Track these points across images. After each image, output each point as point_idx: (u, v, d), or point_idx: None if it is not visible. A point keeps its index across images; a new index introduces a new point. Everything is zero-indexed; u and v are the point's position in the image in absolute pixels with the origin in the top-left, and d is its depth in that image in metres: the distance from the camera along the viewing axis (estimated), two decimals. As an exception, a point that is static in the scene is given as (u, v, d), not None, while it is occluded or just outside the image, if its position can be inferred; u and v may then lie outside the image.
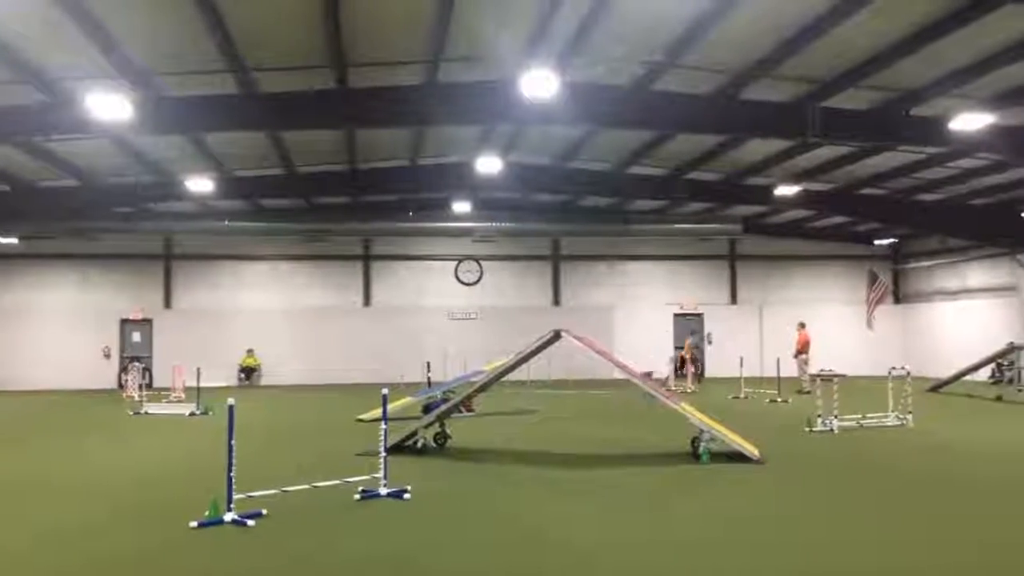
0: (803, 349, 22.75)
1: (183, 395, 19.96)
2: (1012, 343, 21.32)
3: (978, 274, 27.07)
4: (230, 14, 11.14)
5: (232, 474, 7.66)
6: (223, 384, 25.52)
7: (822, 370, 21.49)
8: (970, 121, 14.25)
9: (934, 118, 15.00)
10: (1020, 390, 20.15)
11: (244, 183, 20.97)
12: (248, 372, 27.27)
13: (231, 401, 7.88)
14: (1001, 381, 21.70)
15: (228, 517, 7.55)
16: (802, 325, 23.05)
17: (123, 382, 24.14)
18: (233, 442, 7.73)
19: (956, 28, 11.37)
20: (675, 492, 9.07)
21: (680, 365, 25.92)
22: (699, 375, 26.15)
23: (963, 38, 11.77)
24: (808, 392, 20.40)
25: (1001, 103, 14.29)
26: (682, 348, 27.67)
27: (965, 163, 19.18)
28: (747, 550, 6.69)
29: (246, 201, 23.99)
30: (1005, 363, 22.54)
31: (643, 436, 13.41)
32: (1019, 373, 21.50)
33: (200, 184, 19.55)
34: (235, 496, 7.65)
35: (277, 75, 13.42)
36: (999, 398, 19.41)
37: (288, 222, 25.20)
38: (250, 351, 27.36)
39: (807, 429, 13.71)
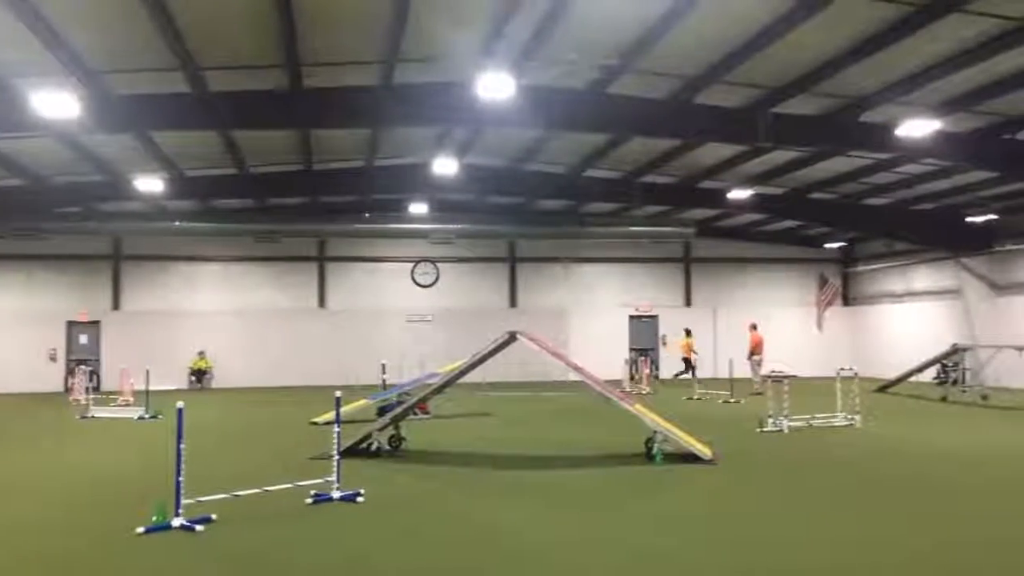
0: (756, 350, 23.09)
1: (132, 398, 19.57)
2: (956, 345, 21.85)
3: (923, 277, 27.72)
4: (181, 13, 10.97)
5: (180, 478, 7.53)
6: (173, 387, 25.07)
7: (773, 371, 21.86)
8: (916, 127, 14.60)
9: (882, 124, 15.35)
10: (964, 391, 20.66)
11: (196, 183, 20.66)
12: (199, 375, 26.83)
13: (180, 404, 7.75)
14: (946, 382, 22.21)
15: (176, 522, 7.42)
16: (754, 327, 23.39)
17: (69, 385, 23.58)
18: (182, 446, 7.61)
19: (902, 37, 11.65)
20: (628, 492, 9.13)
21: (687, 366, 25.61)
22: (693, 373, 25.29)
23: (909, 47, 12.06)
24: (760, 393, 20.68)
25: (946, 110, 14.66)
26: (642, 352, 28.04)
27: (911, 168, 19.66)
28: (697, 548, 6.76)
29: (198, 201, 23.63)
30: (949, 364, 23.06)
31: (598, 437, 13.49)
32: (963, 374, 22.05)
33: (150, 184, 19.22)
34: (183, 501, 7.52)
35: (229, 74, 13.26)
36: (944, 398, 19.88)
37: (241, 223, 24.84)
38: (201, 353, 26.93)
39: (758, 429, 13.91)
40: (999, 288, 24.58)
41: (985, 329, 24.35)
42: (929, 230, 24.44)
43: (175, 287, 27.69)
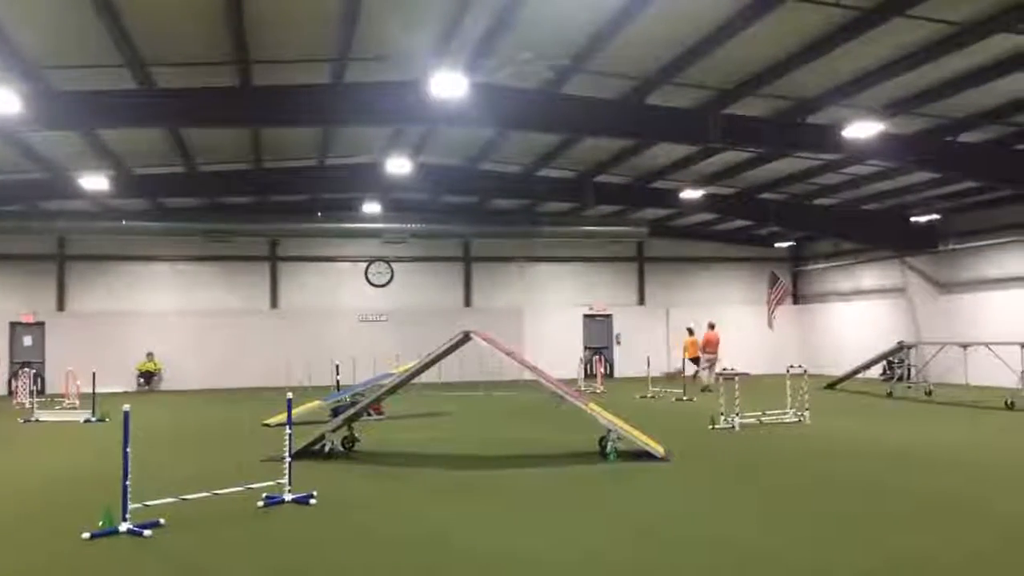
0: (709, 348, 23.39)
1: (78, 401, 19.15)
2: (901, 342, 22.39)
3: (870, 276, 28.35)
4: (127, 8, 10.76)
5: (128, 483, 7.38)
6: (121, 390, 24.62)
7: (724, 369, 22.19)
8: (861, 129, 14.91)
9: (829, 126, 15.66)
10: (909, 387, 21.17)
11: (143, 181, 20.29)
12: (148, 377, 26.33)
13: (127, 407, 7.60)
14: (892, 378, 22.73)
15: (123, 527, 7.28)
16: (712, 325, 23.69)
17: (13, 388, 22.99)
18: (128, 449, 7.46)
19: (847, 40, 11.91)
20: (581, 491, 9.18)
21: (695, 361, 24.43)
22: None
23: (854, 50, 12.33)
24: (711, 390, 20.97)
25: (890, 112, 15.01)
26: (589, 353, 28.22)
27: (858, 169, 20.09)
28: (648, 545, 6.83)
29: (145, 200, 23.17)
30: (895, 361, 23.65)
31: (552, 436, 13.55)
32: (908, 370, 22.60)
33: (96, 182, 18.80)
34: (131, 506, 7.38)
35: (177, 71, 13.05)
36: (889, 394, 20.34)
37: (190, 222, 24.45)
38: (150, 355, 26.43)
39: (710, 427, 14.09)
40: (942, 286, 25.24)
41: (929, 326, 25.00)
42: (875, 230, 25.01)
43: (122, 287, 27.15)
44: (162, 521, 7.51)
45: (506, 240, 28.15)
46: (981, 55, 12.47)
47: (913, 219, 24.27)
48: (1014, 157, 16.99)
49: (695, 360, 24.41)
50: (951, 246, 24.35)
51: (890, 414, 16.76)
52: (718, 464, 10.83)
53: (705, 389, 21.78)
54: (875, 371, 24.20)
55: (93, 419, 16.65)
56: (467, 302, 29.81)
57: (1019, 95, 14.21)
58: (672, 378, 25.21)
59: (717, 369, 22.90)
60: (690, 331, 24.98)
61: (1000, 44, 11.99)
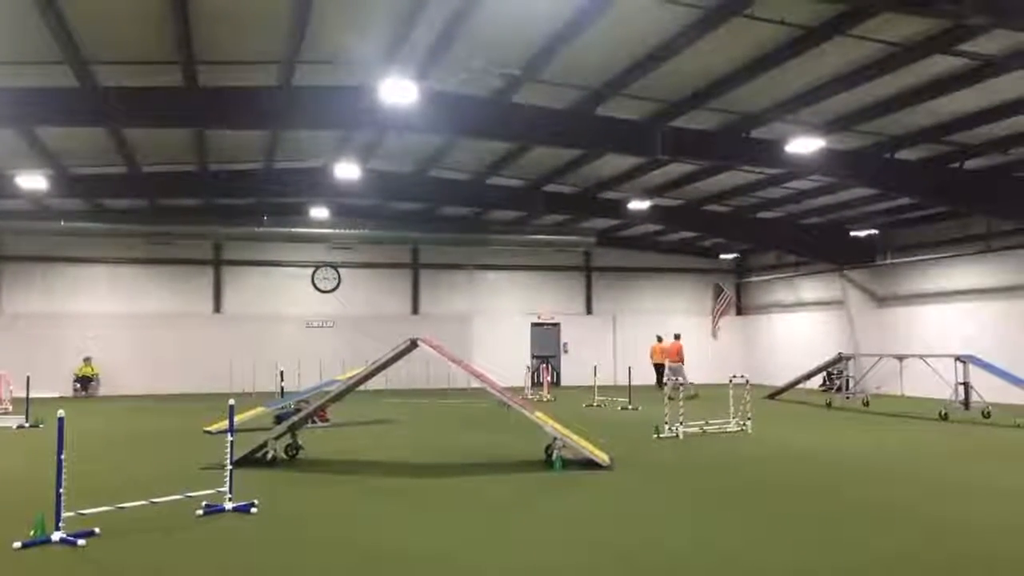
0: (679, 358, 23.68)
1: (10, 407, 18.57)
2: (841, 353, 22.91)
3: (811, 288, 28.97)
4: (69, 3, 10.52)
5: (61, 490, 7.18)
6: (57, 395, 23.95)
7: (668, 379, 22.42)
8: (803, 144, 15.25)
9: (772, 141, 16.00)
10: (847, 397, 21.66)
11: (83, 181, 19.82)
12: (85, 382, 25.63)
13: (62, 413, 7.40)
14: (831, 389, 23.23)
15: (56, 536, 7.07)
16: (677, 336, 24.18)
17: (-59, 393, 22.18)
18: (63, 456, 7.26)
19: (790, 58, 12.21)
20: (527, 500, 9.20)
21: (659, 369, 25.37)
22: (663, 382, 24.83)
23: (796, 67, 12.64)
24: (695, 396, 21.41)
25: (830, 128, 15.39)
26: (542, 360, 28.36)
27: (800, 184, 20.55)
28: (592, 552, 6.87)
29: (85, 200, 22.62)
30: (835, 372, 24.18)
31: (499, 444, 13.55)
32: (847, 381, 23.13)
33: (33, 181, 18.30)
34: (64, 514, 7.18)
35: (120, 69, 12.80)
36: (829, 404, 20.77)
37: (131, 224, 23.91)
38: (87, 359, 25.75)
39: (655, 435, 14.23)
40: (880, 300, 25.92)
41: (867, 338, 25.63)
42: (816, 243, 25.60)
43: (60, 290, 26.41)
44: (97, 530, 7.31)
45: (455, 247, 28.11)
46: (918, 75, 12.87)
47: (852, 233, 24.92)
48: (949, 175, 17.54)
49: (660, 367, 25.47)
50: (888, 260, 25.04)
51: (828, 424, 17.13)
52: (662, 472, 10.93)
53: (692, 397, 21.66)
54: (816, 382, 24.72)
55: (27, 425, 16.17)
56: (415, 309, 29.67)
57: (955, 114, 14.69)
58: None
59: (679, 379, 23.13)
60: (659, 338, 26.26)
61: (937, 65, 12.39)
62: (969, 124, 15.01)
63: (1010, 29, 10.58)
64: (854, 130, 15.65)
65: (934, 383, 19.00)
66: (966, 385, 17.70)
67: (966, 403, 17.58)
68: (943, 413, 17.26)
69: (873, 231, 24.54)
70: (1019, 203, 18.13)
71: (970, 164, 17.29)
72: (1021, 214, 18.76)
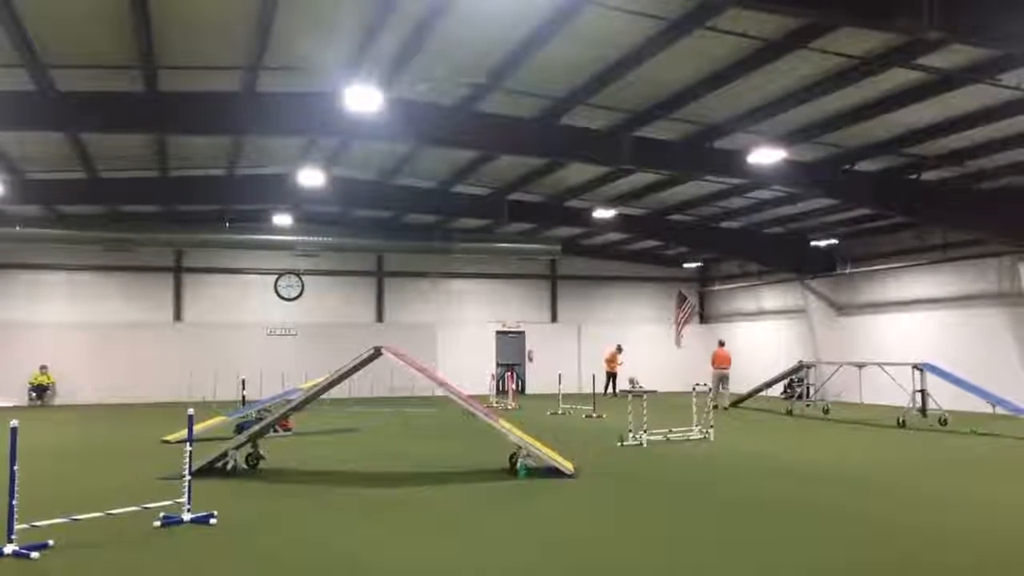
0: (726, 364, 23.28)
1: (-38, 417, 18.12)
2: (801, 361, 23.18)
3: (772, 297, 29.32)
4: (26, 4, 10.33)
5: (14, 502, 7.01)
6: (11, 404, 23.42)
7: (633, 385, 22.55)
8: (764, 155, 15.44)
9: (735, 151, 16.17)
10: (808, 405, 21.91)
11: (39, 187, 19.47)
12: (40, 391, 25.10)
13: (15, 422, 7.23)
14: (792, 397, 23.49)
15: (8, 549, 6.89)
16: (721, 343, 24.16)
17: None
18: (16, 467, 7.09)
19: (751, 70, 12.37)
20: (490, 509, 9.17)
21: (610, 380, 27.38)
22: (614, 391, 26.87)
23: (757, 80, 12.82)
24: (727, 408, 21.74)
25: (791, 140, 15.60)
26: (507, 367, 28.46)
27: (761, 194, 20.80)
28: (557, 561, 6.86)
29: (42, 206, 22.19)
30: (795, 380, 24.47)
31: (463, 453, 13.49)
32: (807, 389, 23.40)
33: (-13, 186, 17.92)
34: (17, 526, 7.00)
35: (78, 73, 12.58)
36: (790, 412, 21.01)
37: (89, 230, 23.51)
38: (43, 368, 25.22)
39: (619, 443, 14.27)
40: (840, 308, 26.30)
41: (827, 347, 25.97)
42: (777, 253, 25.94)
43: (15, 297, 25.85)
44: (51, 543, 7.15)
45: (420, 255, 28.02)
46: (877, 88, 13.11)
47: (813, 243, 25.27)
48: (906, 186, 17.86)
49: (612, 375, 27.14)
50: (848, 270, 25.42)
51: (789, 431, 17.31)
52: (625, 480, 10.97)
53: (720, 407, 21.27)
54: (777, 389, 24.99)
55: (-22, 435, 15.78)
56: (379, 317, 29.51)
57: (912, 127, 14.96)
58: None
59: (622, 386, 23.52)
60: (619, 348, 27.80)
61: (895, 78, 12.62)
62: (926, 137, 15.31)
63: (966, 44, 10.82)
64: (814, 141, 15.89)
65: (892, 391, 19.27)
66: (923, 393, 17.98)
67: (923, 410, 17.87)
68: (901, 420, 17.53)
69: (833, 241, 24.91)
70: (974, 214, 18.53)
71: (927, 176, 17.62)
72: (976, 225, 19.15)
